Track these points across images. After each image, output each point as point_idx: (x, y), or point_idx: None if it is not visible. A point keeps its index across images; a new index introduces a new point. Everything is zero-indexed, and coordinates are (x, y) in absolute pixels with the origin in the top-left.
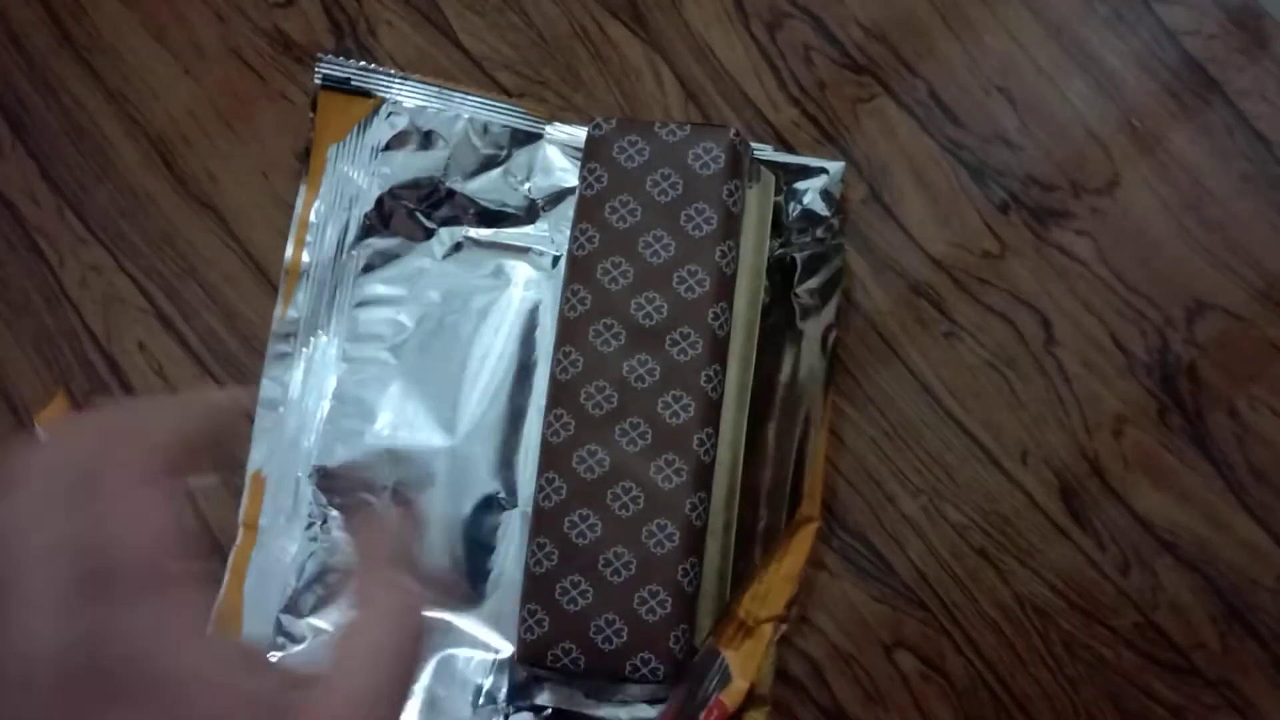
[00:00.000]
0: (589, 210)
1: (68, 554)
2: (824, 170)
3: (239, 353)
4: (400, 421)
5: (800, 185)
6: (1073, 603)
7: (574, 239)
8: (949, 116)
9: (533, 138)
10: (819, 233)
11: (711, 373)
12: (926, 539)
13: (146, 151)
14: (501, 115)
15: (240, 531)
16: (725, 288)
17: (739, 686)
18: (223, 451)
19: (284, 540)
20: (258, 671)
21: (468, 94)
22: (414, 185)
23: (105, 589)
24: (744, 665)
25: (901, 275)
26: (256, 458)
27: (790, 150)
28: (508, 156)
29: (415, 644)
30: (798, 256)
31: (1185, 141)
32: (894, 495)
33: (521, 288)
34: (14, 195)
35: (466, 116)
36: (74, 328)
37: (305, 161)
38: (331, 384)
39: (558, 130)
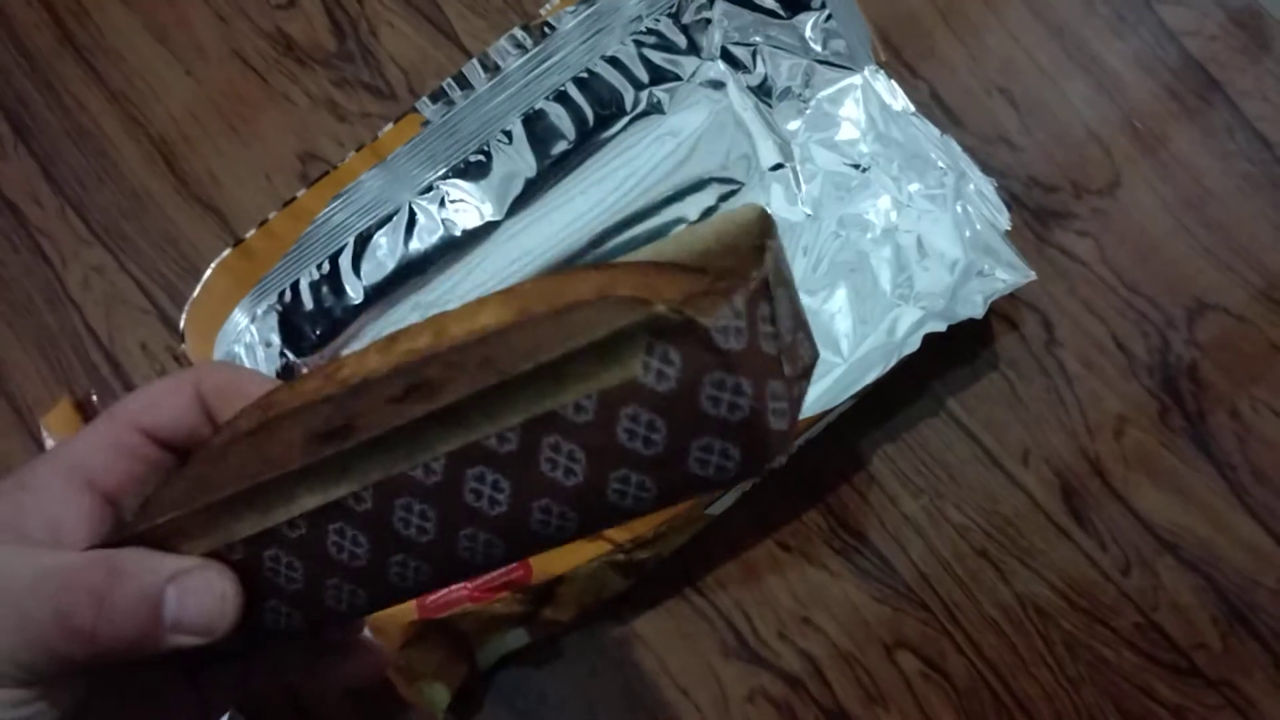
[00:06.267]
0: None
1: None
2: (1004, 280)
3: None
4: None
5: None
6: (1074, 603)
7: None
8: (950, 117)
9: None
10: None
11: None
12: (928, 539)
13: (148, 152)
14: None
15: None
16: None
17: None
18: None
19: None
20: None
21: None
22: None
23: None
24: None
25: None
26: None
27: None
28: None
29: None
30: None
31: (1186, 142)
32: (895, 495)
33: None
34: (16, 196)
35: None
36: (76, 329)
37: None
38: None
39: None
